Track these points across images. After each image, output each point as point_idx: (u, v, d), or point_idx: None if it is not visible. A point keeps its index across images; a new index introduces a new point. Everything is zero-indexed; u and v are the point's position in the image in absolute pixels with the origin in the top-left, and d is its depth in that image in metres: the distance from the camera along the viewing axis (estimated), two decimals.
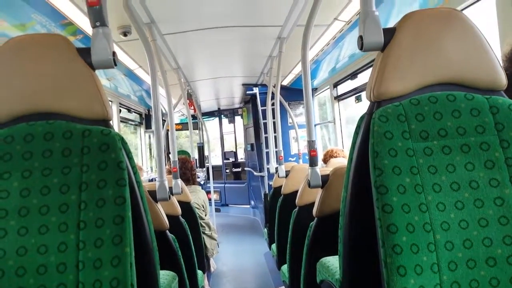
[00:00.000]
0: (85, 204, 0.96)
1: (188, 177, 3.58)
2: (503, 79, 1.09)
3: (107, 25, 1.13)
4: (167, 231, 1.87)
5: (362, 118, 1.13)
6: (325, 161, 3.50)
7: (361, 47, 1.12)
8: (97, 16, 1.12)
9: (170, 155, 2.71)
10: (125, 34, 2.74)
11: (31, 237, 0.95)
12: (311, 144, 1.92)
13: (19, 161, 1.00)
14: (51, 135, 1.02)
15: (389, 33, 1.10)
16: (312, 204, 1.89)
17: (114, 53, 1.13)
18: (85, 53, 1.11)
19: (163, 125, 5.43)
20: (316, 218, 1.82)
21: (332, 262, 1.42)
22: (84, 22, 2.36)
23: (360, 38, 1.11)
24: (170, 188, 2.28)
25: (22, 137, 1.02)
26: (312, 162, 1.88)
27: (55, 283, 0.92)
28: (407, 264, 0.88)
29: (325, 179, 1.82)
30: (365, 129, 1.08)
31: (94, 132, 1.02)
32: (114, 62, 1.13)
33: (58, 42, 1.10)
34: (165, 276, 1.47)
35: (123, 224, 0.94)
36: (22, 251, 0.94)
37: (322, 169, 1.95)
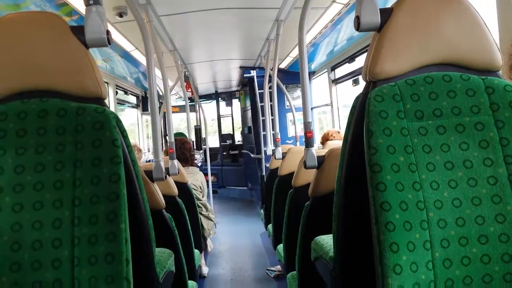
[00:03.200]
0: (79, 181, 0.96)
1: (187, 157, 3.60)
2: (499, 60, 1.09)
3: (101, 3, 1.12)
4: (164, 210, 1.89)
5: (357, 98, 1.13)
6: (323, 143, 3.52)
7: (357, 27, 1.12)
8: None
9: (167, 137, 2.71)
10: (120, 15, 2.71)
11: (26, 213, 0.95)
12: (307, 126, 1.92)
13: (13, 138, 1.00)
14: (45, 112, 1.02)
15: (386, 13, 1.10)
16: (308, 185, 1.90)
17: (108, 32, 1.12)
18: (78, 31, 1.11)
19: (160, 107, 5.42)
20: (311, 198, 1.84)
21: (327, 241, 1.44)
22: (79, 2, 2.33)
23: (357, 18, 1.11)
24: (167, 168, 2.29)
25: (15, 115, 1.01)
26: (308, 143, 1.89)
27: (50, 258, 0.93)
28: (400, 241, 0.90)
29: (320, 160, 1.83)
30: (361, 109, 1.08)
31: (88, 110, 1.02)
32: (108, 40, 1.12)
33: (51, 20, 1.10)
34: (161, 253, 1.48)
35: (118, 201, 0.95)
36: (16, 227, 0.95)
37: (318, 150, 1.96)
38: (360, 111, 1.09)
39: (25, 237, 0.94)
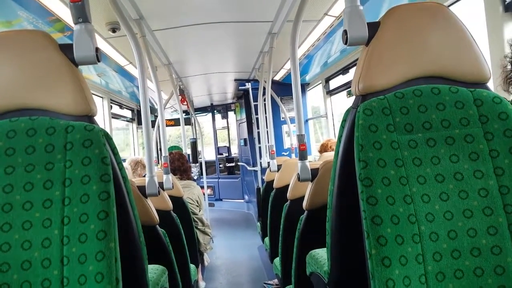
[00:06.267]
0: (69, 199, 0.96)
1: (186, 168, 3.61)
2: (488, 72, 1.10)
3: (90, 21, 1.13)
4: (157, 226, 1.87)
5: (348, 111, 1.13)
6: (321, 152, 3.51)
7: (345, 42, 1.12)
8: (80, 12, 1.11)
9: (162, 151, 2.71)
10: (113, 30, 2.71)
11: (15, 233, 0.95)
12: (300, 138, 1.93)
13: (2, 157, 0.99)
14: (34, 131, 1.02)
15: (374, 27, 1.11)
16: (303, 197, 1.90)
17: (97, 49, 1.12)
18: (67, 49, 1.11)
19: (155, 120, 5.41)
20: (306, 211, 1.83)
21: (321, 254, 1.43)
22: (71, 19, 2.34)
23: (345, 32, 1.12)
24: (161, 183, 2.28)
25: (4, 133, 1.01)
26: (302, 156, 1.89)
27: (39, 278, 0.92)
28: (392, 255, 0.89)
29: (314, 172, 1.83)
30: (351, 122, 1.09)
31: (77, 128, 1.02)
32: (97, 58, 1.12)
33: (39, 38, 1.10)
34: (154, 270, 1.47)
35: (107, 219, 0.94)
36: (5, 247, 0.94)
37: (312, 162, 1.96)
38: (350, 125, 1.09)
39: (14, 257, 0.93)
